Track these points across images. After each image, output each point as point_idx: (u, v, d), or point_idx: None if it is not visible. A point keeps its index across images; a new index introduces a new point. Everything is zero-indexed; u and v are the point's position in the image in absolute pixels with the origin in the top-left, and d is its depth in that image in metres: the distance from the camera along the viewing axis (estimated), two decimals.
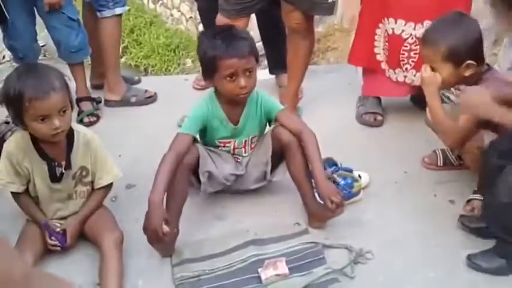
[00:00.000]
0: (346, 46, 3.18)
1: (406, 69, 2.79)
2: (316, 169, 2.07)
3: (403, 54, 2.76)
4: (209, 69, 2.09)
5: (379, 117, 2.95)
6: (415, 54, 2.73)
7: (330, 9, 2.81)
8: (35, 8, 2.87)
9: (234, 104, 2.18)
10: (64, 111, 1.88)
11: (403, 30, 2.71)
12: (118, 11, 3.03)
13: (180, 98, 3.14)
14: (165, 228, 1.89)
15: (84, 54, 3.04)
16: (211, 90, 2.21)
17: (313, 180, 2.12)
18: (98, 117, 3.05)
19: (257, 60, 2.12)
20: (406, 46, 2.73)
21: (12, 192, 2.07)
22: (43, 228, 2.02)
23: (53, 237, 2.01)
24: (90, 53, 3.09)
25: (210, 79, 2.12)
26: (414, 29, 2.69)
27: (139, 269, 2.01)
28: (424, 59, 2.23)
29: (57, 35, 2.92)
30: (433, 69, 2.16)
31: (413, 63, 2.77)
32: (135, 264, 2.02)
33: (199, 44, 2.15)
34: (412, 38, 2.71)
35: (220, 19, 2.77)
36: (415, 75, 2.79)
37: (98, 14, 3.02)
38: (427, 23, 2.65)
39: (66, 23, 2.87)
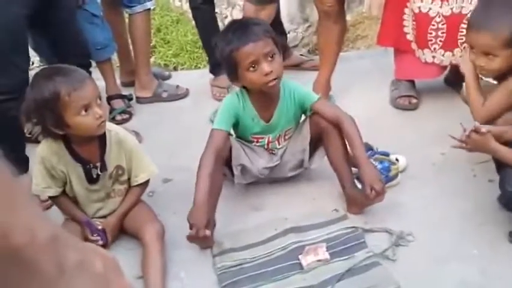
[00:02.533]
0: (376, 34, 3.14)
1: (435, 49, 2.75)
2: (359, 154, 2.03)
3: (431, 33, 2.71)
4: (231, 67, 2.02)
5: (414, 100, 2.91)
6: (442, 33, 2.69)
7: None
8: None
9: (265, 101, 2.13)
10: (100, 99, 1.88)
11: (430, 9, 2.66)
12: (149, 5, 3.04)
13: (210, 92, 3.15)
14: (207, 232, 1.91)
15: (110, 51, 3.02)
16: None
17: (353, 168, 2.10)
18: (131, 115, 3.05)
19: (276, 44, 2.03)
20: (433, 25, 2.69)
21: (50, 196, 2.07)
22: (85, 226, 2.04)
23: (95, 234, 2.04)
24: (116, 50, 3.08)
25: (235, 78, 2.07)
26: (441, 7, 2.64)
27: (180, 261, 2.02)
28: (477, 46, 2.02)
29: None
30: (487, 55, 1.99)
31: (441, 43, 2.72)
32: (176, 256, 2.03)
33: (216, 47, 2.08)
34: (439, 17, 2.66)
35: (248, 8, 2.78)
36: (443, 55, 2.74)
37: (129, 10, 3.03)
38: (452, 1, 2.61)
39: (89, 19, 2.85)
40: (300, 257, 1.93)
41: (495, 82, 2.16)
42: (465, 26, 2.57)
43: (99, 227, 2.06)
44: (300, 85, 2.23)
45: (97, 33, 2.89)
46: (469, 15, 2.56)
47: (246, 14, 2.78)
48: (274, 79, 2.01)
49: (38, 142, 2.03)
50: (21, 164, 2.30)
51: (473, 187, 2.27)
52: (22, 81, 2.14)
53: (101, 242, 2.03)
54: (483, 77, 2.21)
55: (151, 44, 3.62)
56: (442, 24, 2.67)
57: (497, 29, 1.94)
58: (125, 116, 3.03)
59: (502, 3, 2.00)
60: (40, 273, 0.50)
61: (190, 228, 1.93)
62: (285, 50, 2.89)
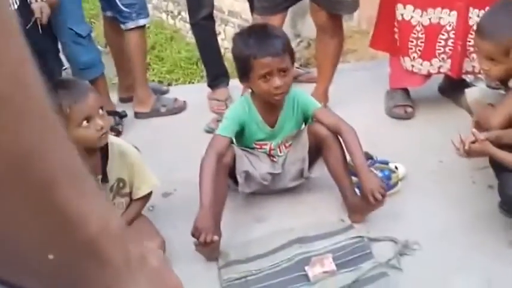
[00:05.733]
0: (366, 47, 3.19)
1: (414, 58, 2.79)
2: (359, 162, 2.04)
3: (412, 41, 2.76)
4: (244, 70, 2.07)
5: (409, 109, 2.94)
6: (421, 42, 2.74)
7: (352, 8, 2.83)
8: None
9: (270, 106, 2.16)
10: (102, 110, 1.87)
11: (412, 17, 2.71)
12: (142, 22, 3.05)
13: (206, 105, 3.16)
14: (215, 237, 1.89)
15: (95, 72, 2.98)
16: (246, 93, 2.21)
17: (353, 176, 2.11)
18: (119, 132, 3.00)
19: (292, 60, 2.09)
20: (414, 33, 2.74)
21: None
22: None
23: None
24: (103, 71, 3.06)
25: (245, 80, 2.11)
26: (421, 16, 2.68)
27: (182, 276, 1.92)
28: (481, 52, 2.11)
29: (66, 51, 2.95)
30: (491, 61, 2.06)
31: (419, 52, 2.77)
32: (178, 270, 1.95)
33: (233, 45, 2.13)
34: (419, 26, 2.70)
35: (255, 18, 2.84)
36: (421, 64, 2.78)
37: (122, 26, 3.04)
38: (431, 11, 2.66)
39: (74, 39, 2.86)
40: (306, 268, 1.91)
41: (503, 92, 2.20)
42: (443, 36, 2.64)
43: None
44: (303, 92, 2.26)
45: (81, 53, 2.90)
46: (448, 27, 2.63)
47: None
48: (282, 93, 2.06)
49: None
50: None
51: (473, 194, 2.29)
52: None
53: None
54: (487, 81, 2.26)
55: (146, 62, 3.63)
56: (422, 34, 2.72)
57: (500, 38, 2.00)
58: (113, 134, 3.00)
59: (507, 14, 2.06)
60: (111, 264, 0.48)
61: (196, 236, 1.89)
62: None
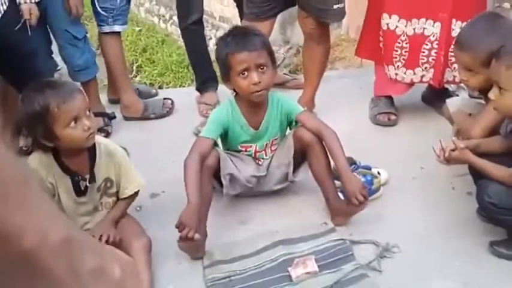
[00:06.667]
0: (353, 55, 3.25)
1: (398, 66, 2.86)
2: (341, 165, 2.09)
3: (396, 51, 2.83)
4: (224, 68, 2.12)
5: (393, 117, 3.00)
6: (405, 52, 2.81)
7: (339, 16, 2.89)
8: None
9: (254, 108, 2.21)
10: (89, 111, 1.91)
11: (396, 26, 2.78)
12: (117, 28, 3.05)
13: (195, 108, 3.21)
14: (197, 235, 1.91)
15: (90, 74, 3.02)
16: (231, 95, 2.26)
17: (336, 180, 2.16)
18: (108, 133, 3.02)
19: (272, 59, 2.14)
20: (399, 43, 2.80)
21: None
22: None
23: None
24: (96, 73, 3.09)
25: (227, 80, 2.15)
26: (406, 26, 2.75)
27: (168, 275, 2.03)
28: (460, 63, 2.20)
29: (62, 53, 2.98)
30: (469, 72, 2.13)
31: (404, 61, 2.83)
32: (164, 270, 2.04)
33: (216, 48, 2.19)
34: (404, 36, 2.77)
35: (244, 23, 2.90)
36: (405, 73, 2.85)
37: (98, 28, 3.06)
38: (415, 21, 2.73)
39: (70, 41, 2.90)
40: (289, 269, 1.96)
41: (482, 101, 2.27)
42: (427, 46, 2.71)
43: None
44: (286, 97, 2.31)
45: (76, 56, 2.94)
46: (432, 37, 2.70)
47: None
48: (261, 90, 2.09)
49: None
50: None
51: (452, 200, 2.35)
52: None
53: None
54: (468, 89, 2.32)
55: (136, 65, 3.66)
56: (406, 43, 2.78)
57: (477, 50, 2.07)
58: (102, 135, 3.03)
59: (485, 27, 2.13)
60: (50, 278, 0.47)
61: (180, 230, 1.92)
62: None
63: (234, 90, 2.21)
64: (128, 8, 3.12)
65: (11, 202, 0.44)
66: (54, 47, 3.09)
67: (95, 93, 3.12)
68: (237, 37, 2.09)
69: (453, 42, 2.32)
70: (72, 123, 1.85)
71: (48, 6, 2.83)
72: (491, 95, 1.91)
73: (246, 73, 2.07)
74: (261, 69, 2.08)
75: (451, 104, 2.42)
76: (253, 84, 2.07)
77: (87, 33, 3.05)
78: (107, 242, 1.98)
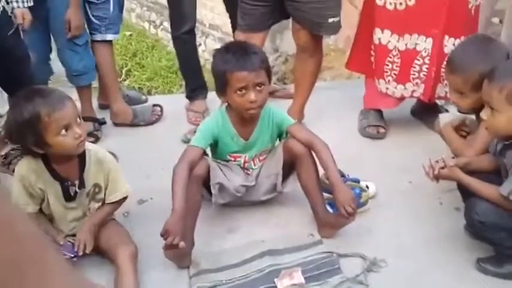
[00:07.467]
0: (342, 65, 3.27)
1: (389, 81, 2.88)
2: (333, 176, 2.09)
3: (387, 65, 2.84)
4: (221, 84, 2.11)
5: (382, 130, 3.01)
6: (397, 67, 2.82)
7: (334, 29, 2.89)
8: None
9: (245, 120, 2.20)
10: (80, 119, 1.90)
11: (389, 41, 2.79)
12: (109, 37, 3.06)
13: (184, 116, 3.20)
14: (181, 243, 1.90)
15: (88, 79, 3.03)
16: (222, 106, 2.25)
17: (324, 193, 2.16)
18: (97, 138, 3.03)
19: (269, 77, 2.15)
20: (390, 58, 2.82)
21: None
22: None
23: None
24: (94, 79, 3.10)
25: (222, 94, 2.15)
26: (398, 41, 2.77)
27: (154, 283, 2.01)
28: (451, 85, 2.22)
29: (61, 57, 2.97)
30: (460, 94, 2.16)
31: (395, 76, 2.85)
32: (151, 277, 2.03)
33: (213, 60, 2.18)
34: (396, 50, 2.79)
35: (238, 35, 2.89)
36: (396, 88, 2.87)
37: (91, 36, 3.05)
38: (407, 37, 2.75)
39: (70, 46, 2.90)
40: (275, 280, 1.95)
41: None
42: (418, 62, 2.74)
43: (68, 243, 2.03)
44: (277, 108, 2.31)
45: (75, 61, 2.94)
46: (424, 53, 2.73)
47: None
48: (257, 107, 2.11)
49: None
50: None
51: (440, 215, 2.36)
52: None
53: (72, 258, 1.99)
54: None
55: (125, 69, 3.65)
56: (398, 58, 2.80)
57: (467, 74, 2.09)
58: (91, 139, 3.01)
59: (477, 51, 2.15)
60: None
61: (164, 238, 1.90)
62: None
63: (227, 102, 2.20)
64: (120, 16, 3.13)
65: (28, 284, 0.44)
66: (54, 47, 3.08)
67: (89, 98, 3.12)
68: (236, 55, 2.08)
69: (445, 59, 2.34)
70: (63, 131, 1.85)
71: (51, 10, 2.83)
72: (483, 115, 1.91)
73: (243, 91, 2.07)
74: (259, 87, 2.08)
75: (443, 119, 2.43)
76: (250, 102, 2.08)
77: (88, 39, 3.03)
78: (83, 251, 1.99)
